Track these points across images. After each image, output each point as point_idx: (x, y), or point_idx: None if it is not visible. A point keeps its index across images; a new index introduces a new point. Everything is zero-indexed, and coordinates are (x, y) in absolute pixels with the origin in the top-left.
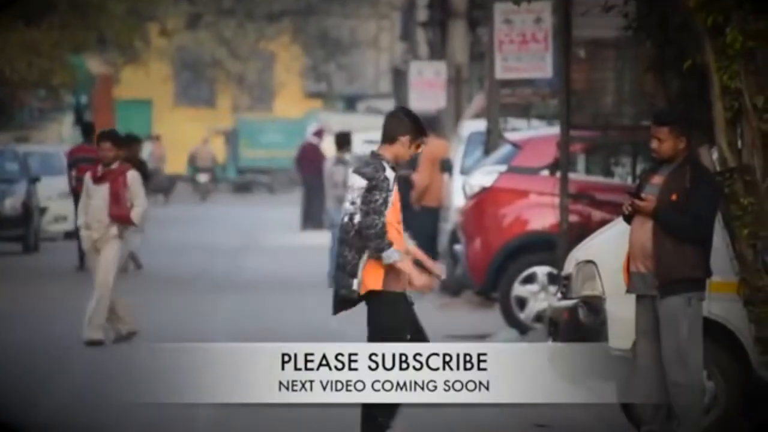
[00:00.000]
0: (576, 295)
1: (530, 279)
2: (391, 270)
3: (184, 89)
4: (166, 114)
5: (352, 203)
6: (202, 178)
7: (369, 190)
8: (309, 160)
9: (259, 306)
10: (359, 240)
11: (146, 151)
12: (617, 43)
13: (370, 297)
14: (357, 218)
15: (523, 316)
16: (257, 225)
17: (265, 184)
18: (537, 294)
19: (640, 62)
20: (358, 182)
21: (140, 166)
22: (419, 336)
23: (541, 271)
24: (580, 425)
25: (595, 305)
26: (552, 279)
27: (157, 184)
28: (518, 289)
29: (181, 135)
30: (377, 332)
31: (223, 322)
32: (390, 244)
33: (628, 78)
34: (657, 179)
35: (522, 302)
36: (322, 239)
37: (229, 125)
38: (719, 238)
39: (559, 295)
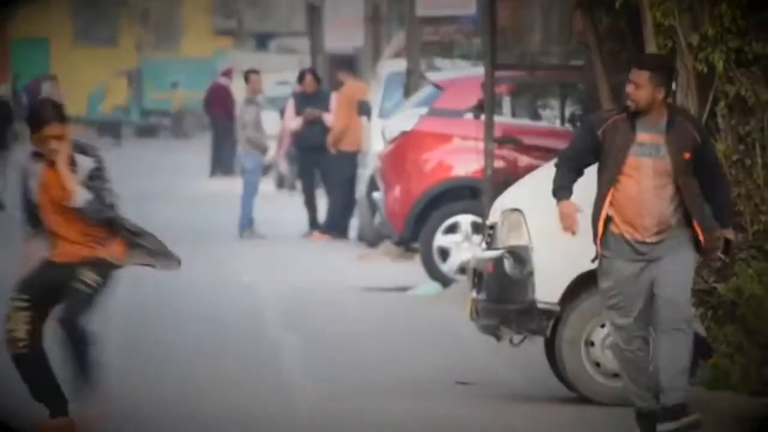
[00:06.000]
0: (501, 246)
1: (453, 228)
2: None
3: (83, 27)
4: (65, 53)
5: None
6: None
7: None
8: (218, 101)
9: None
10: None
11: (43, 92)
12: None
13: None
14: None
15: (446, 267)
16: (163, 171)
17: (170, 128)
18: (460, 244)
19: None
20: None
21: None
22: None
23: (465, 219)
24: (504, 384)
25: (521, 256)
26: (476, 228)
27: None
28: (440, 240)
29: (80, 75)
30: None
31: (125, 278)
32: None
33: (556, 15)
34: (645, 137)
35: (444, 253)
36: (233, 186)
37: (132, 65)
38: None
39: (483, 245)
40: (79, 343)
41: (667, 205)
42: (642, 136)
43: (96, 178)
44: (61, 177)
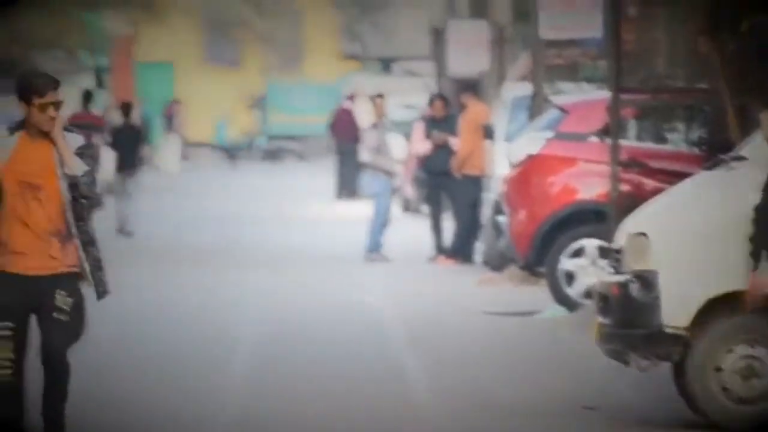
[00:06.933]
0: (628, 270)
1: (579, 252)
2: None
3: (209, 49)
4: (190, 76)
5: None
6: None
7: None
8: (343, 125)
9: (290, 282)
10: None
11: (175, 116)
12: (670, 1)
13: None
14: None
15: (572, 292)
16: (288, 194)
17: (295, 152)
18: (586, 268)
19: (694, 20)
20: None
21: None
22: None
23: (591, 243)
24: (631, 408)
25: (648, 280)
26: (602, 252)
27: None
28: (566, 263)
29: (205, 97)
30: None
31: (252, 299)
32: None
33: (682, 38)
34: None
35: (570, 277)
36: (359, 209)
37: (257, 88)
38: None
39: (610, 269)
40: (61, 375)
41: None
42: None
43: (86, 156)
44: (59, 145)
